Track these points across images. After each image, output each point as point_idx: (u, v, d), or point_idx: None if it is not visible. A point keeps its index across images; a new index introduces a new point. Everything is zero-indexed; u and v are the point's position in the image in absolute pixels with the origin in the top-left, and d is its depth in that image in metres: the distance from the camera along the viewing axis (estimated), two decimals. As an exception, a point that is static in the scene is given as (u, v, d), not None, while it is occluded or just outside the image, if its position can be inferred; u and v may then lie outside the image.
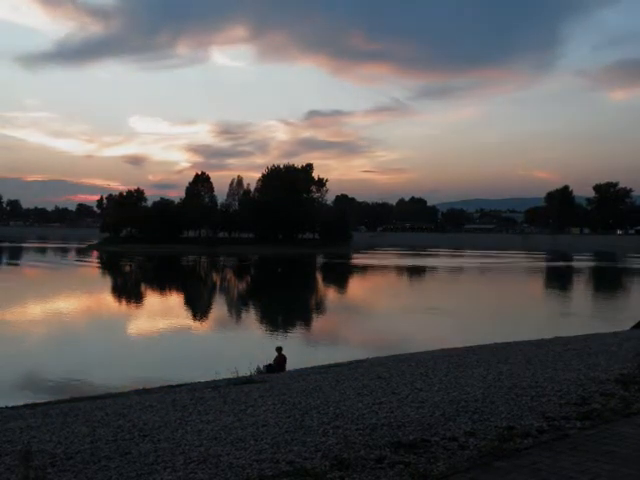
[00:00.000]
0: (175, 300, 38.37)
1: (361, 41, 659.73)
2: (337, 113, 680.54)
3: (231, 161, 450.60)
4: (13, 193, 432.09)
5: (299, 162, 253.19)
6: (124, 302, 36.43)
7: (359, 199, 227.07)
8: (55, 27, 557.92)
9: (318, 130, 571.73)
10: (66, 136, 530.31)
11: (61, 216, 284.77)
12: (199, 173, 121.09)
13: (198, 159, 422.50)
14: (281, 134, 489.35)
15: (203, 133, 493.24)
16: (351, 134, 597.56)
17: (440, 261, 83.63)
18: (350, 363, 12.93)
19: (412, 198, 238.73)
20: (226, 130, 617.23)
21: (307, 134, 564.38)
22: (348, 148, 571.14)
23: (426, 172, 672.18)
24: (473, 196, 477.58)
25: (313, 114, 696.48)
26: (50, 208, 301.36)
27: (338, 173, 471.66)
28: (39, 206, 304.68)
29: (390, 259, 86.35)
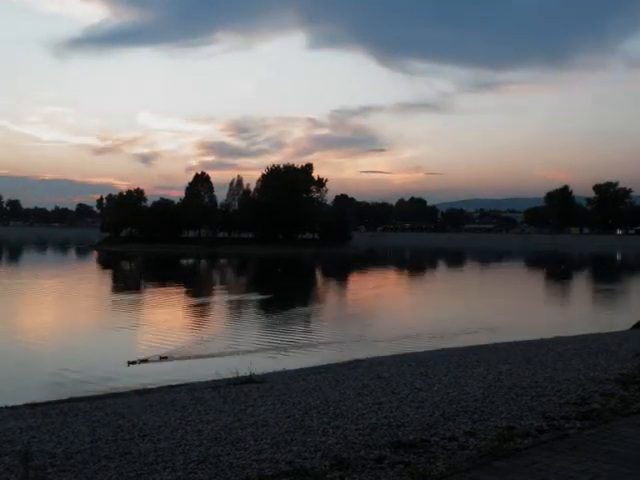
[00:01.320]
0: (173, 300, 38.44)
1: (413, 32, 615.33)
2: (366, 109, 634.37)
3: (244, 160, 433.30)
4: (24, 192, 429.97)
5: (316, 160, 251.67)
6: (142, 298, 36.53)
7: (375, 199, 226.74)
8: (87, 13, 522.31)
9: (342, 127, 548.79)
10: (81, 133, 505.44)
11: (61, 216, 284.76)
12: (199, 173, 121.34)
13: (216, 156, 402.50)
14: (299, 130, 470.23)
15: (217, 130, 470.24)
16: (375, 130, 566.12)
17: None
18: (350, 363, 12.94)
19: (412, 198, 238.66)
20: (242, 127, 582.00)
21: (327, 131, 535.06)
22: (367, 145, 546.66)
23: (454, 172, 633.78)
24: (473, 196, 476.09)
25: (342, 109, 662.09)
26: (63, 207, 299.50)
27: (352, 172, 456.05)
28: (39, 206, 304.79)
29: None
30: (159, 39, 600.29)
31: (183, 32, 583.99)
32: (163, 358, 17.31)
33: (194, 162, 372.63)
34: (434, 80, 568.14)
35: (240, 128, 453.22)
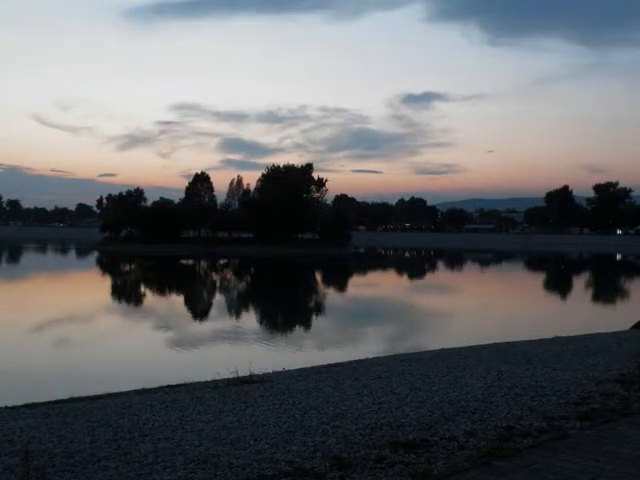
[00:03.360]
0: (172, 299, 38.47)
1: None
2: (433, 97, 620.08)
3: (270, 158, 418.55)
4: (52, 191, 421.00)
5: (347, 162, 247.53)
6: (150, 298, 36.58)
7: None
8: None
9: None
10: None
11: (61, 216, 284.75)
12: (199, 173, 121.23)
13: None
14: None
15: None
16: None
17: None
18: (350, 363, 12.93)
19: (412, 198, 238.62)
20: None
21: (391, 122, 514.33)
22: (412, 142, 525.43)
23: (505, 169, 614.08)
24: (473, 196, 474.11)
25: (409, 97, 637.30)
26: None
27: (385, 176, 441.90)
28: (39, 206, 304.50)
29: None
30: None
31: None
32: None
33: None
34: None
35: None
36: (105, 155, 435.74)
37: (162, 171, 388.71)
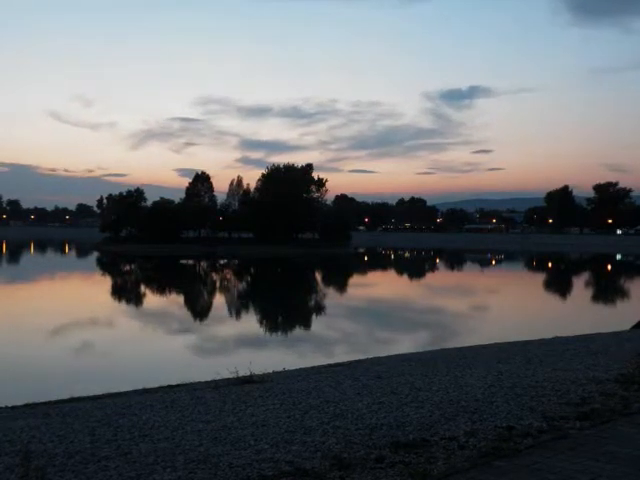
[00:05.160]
0: (170, 299, 38.49)
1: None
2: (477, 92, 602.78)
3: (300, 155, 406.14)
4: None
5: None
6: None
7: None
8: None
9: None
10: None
11: (61, 216, 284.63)
12: (199, 173, 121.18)
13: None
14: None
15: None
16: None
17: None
18: (350, 363, 12.93)
19: (412, 198, 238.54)
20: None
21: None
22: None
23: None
24: (474, 196, 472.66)
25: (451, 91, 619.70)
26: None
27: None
28: (39, 206, 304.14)
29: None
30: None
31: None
32: None
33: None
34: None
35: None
36: (118, 154, 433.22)
37: (175, 170, 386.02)
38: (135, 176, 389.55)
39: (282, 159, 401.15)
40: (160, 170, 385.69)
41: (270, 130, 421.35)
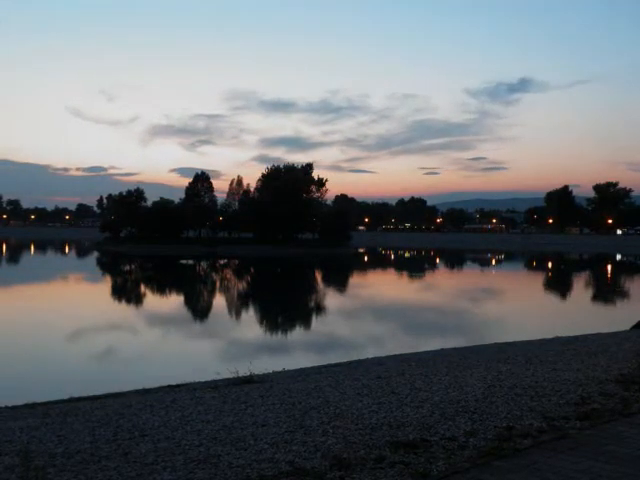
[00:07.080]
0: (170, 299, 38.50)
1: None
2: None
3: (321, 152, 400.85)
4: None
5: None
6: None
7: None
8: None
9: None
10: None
11: (61, 216, 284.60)
12: (199, 173, 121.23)
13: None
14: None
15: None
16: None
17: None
18: (350, 363, 12.93)
19: (412, 198, 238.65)
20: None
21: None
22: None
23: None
24: (474, 196, 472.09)
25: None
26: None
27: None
28: (39, 206, 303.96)
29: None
30: None
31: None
32: None
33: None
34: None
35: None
36: (131, 152, 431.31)
37: (185, 169, 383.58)
38: (147, 175, 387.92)
39: (300, 158, 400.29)
40: (168, 169, 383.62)
41: (294, 125, 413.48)
